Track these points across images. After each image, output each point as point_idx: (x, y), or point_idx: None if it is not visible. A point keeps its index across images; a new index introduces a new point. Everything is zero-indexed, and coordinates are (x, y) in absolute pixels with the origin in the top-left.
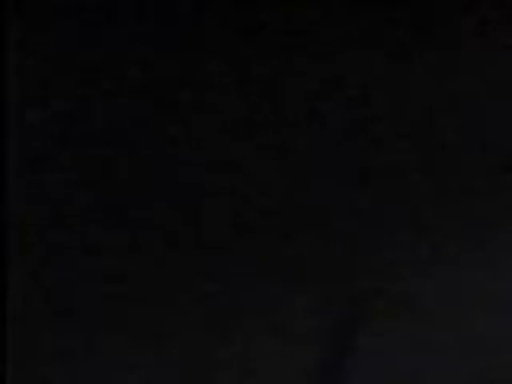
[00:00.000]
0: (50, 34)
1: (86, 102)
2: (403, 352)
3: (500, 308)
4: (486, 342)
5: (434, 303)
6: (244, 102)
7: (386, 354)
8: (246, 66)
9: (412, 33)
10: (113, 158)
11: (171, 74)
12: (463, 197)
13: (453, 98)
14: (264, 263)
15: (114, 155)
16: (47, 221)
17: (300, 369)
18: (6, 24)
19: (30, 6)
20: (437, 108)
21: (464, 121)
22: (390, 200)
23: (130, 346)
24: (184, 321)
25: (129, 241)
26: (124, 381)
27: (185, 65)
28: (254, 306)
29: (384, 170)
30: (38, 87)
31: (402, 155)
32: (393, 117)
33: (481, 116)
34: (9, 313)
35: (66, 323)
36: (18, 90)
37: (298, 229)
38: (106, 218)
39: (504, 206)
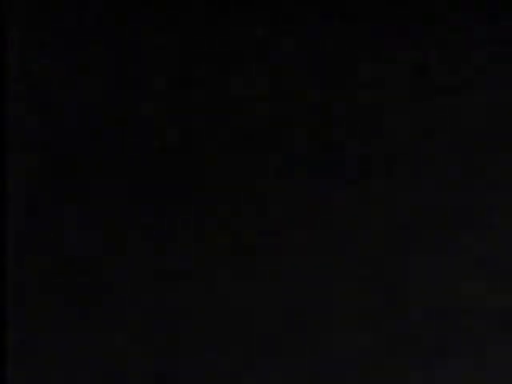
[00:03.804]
0: (50, 34)
1: (86, 101)
2: None
3: None
4: None
5: None
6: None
7: None
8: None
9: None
10: (125, 159)
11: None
12: None
13: None
14: None
15: (121, 154)
16: (47, 221)
17: None
18: (6, 24)
19: (30, 6)
20: None
21: None
22: None
23: (130, 344)
24: None
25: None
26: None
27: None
28: None
29: None
30: (38, 87)
31: None
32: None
33: None
34: (9, 314)
35: (67, 322)
36: (18, 90)
37: None
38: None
39: None
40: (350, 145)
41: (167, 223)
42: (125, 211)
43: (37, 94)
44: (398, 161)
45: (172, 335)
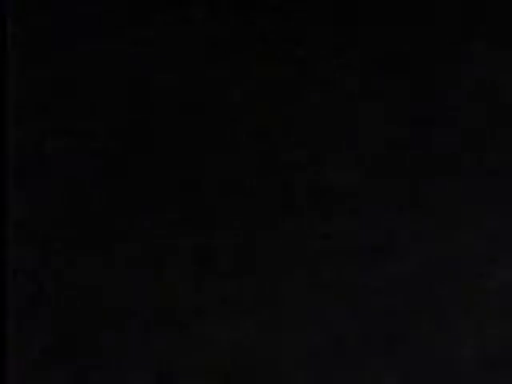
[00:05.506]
0: (50, 34)
1: (86, 101)
2: None
3: None
4: None
5: None
6: None
7: None
8: None
9: None
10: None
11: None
12: None
13: None
14: None
15: (125, 155)
16: (47, 221)
17: None
18: (5, 25)
19: (30, 6)
20: None
21: None
22: None
23: (130, 344)
24: None
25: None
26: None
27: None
28: None
29: None
30: (37, 88)
31: None
32: None
33: None
34: (9, 314)
35: (67, 324)
36: (19, 90)
37: None
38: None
39: None
40: (350, 145)
41: (167, 223)
42: (125, 212)
43: (36, 95)
44: (398, 164)
45: (172, 336)
